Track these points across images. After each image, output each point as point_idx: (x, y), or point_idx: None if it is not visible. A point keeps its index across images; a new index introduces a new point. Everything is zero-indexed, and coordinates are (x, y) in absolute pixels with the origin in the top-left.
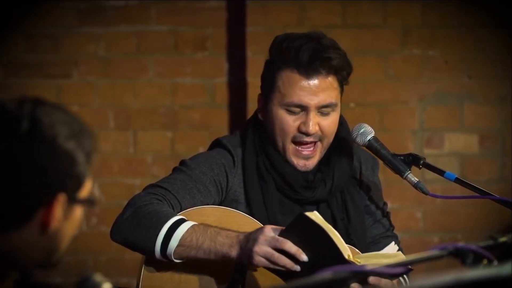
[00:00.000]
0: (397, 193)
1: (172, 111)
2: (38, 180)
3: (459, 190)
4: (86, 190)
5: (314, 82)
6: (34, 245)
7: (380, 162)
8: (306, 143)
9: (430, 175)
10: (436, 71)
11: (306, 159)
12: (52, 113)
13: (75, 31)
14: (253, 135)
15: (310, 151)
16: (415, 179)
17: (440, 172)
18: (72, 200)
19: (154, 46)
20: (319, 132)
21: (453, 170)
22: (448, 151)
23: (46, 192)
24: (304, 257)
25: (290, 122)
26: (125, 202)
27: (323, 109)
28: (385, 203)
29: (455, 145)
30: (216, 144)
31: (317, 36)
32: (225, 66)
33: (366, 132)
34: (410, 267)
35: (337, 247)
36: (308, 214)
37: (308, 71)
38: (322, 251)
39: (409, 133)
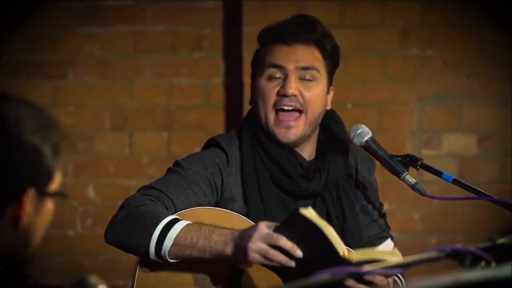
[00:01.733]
0: (394, 194)
1: (168, 112)
2: (6, 176)
3: (458, 191)
4: (55, 183)
5: (294, 46)
6: (6, 240)
7: (378, 163)
8: (287, 109)
9: (428, 176)
10: (435, 71)
11: (287, 128)
12: (17, 108)
13: (71, 32)
14: (249, 131)
15: (291, 119)
16: (412, 180)
17: (438, 173)
18: (42, 194)
19: (151, 46)
20: (300, 98)
21: (451, 171)
22: (447, 152)
23: (15, 188)
24: (299, 253)
25: (270, 88)
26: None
27: (303, 72)
28: (381, 204)
29: (454, 146)
30: (211, 143)
31: (301, 14)
32: (221, 66)
33: (363, 133)
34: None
35: (332, 244)
36: (302, 211)
37: (289, 37)
38: (317, 248)
39: (408, 133)
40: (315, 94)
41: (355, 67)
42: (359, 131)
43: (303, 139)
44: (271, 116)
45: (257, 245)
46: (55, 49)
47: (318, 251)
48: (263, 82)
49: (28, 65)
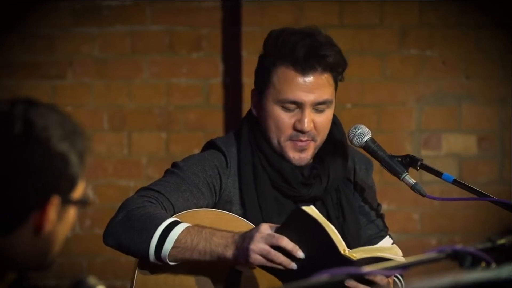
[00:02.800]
0: (394, 195)
1: (167, 112)
2: (31, 183)
3: (457, 192)
4: (79, 191)
5: (310, 79)
6: (28, 247)
7: (377, 163)
8: (301, 140)
9: (428, 176)
10: (434, 71)
11: (301, 151)
12: (45, 114)
13: (69, 31)
14: (248, 133)
15: (304, 144)
16: (412, 180)
17: (438, 174)
18: (66, 201)
19: (149, 46)
20: (314, 130)
21: (451, 171)
22: (446, 152)
23: (40, 195)
24: (300, 254)
25: (285, 119)
26: (120, 204)
27: (318, 106)
28: (379, 205)
29: (453, 146)
30: (209, 145)
31: (312, 32)
32: (220, 66)
33: (363, 133)
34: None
35: (333, 242)
36: (304, 208)
37: (304, 68)
38: (318, 247)
39: (407, 134)
40: (327, 120)
41: (353, 67)
42: (359, 131)
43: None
44: (286, 143)
45: (258, 246)
46: (53, 49)
47: (319, 250)
48: (276, 110)
49: (26, 65)
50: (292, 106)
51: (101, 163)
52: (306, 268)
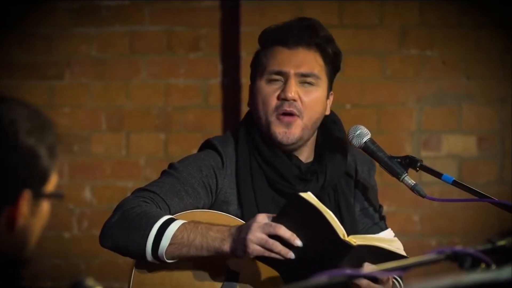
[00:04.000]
0: (394, 196)
1: (165, 113)
2: (1, 178)
3: (457, 193)
4: (52, 184)
5: (296, 51)
6: (3, 242)
7: (377, 164)
8: (286, 112)
9: (428, 177)
10: (434, 71)
11: (286, 126)
12: (13, 109)
13: (67, 32)
14: (245, 132)
15: (290, 118)
16: (412, 181)
17: (438, 175)
18: (38, 195)
19: (147, 46)
20: (299, 103)
21: (451, 172)
22: (446, 153)
23: (11, 190)
24: (298, 242)
25: (271, 92)
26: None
27: (304, 78)
28: (381, 206)
29: (453, 147)
30: (206, 145)
31: (304, 17)
32: (219, 67)
33: (362, 134)
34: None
35: (332, 227)
36: (302, 194)
37: (290, 41)
38: (317, 233)
39: (407, 134)
40: (314, 99)
41: (353, 68)
42: (358, 132)
43: (301, 142)
44: (272, 118)
45: (256, 235)
46: (51, 49)
47: (318, 237)
48: (263, 85)
49: (24, 65)
50: (277, 77)
51: (99, 164)
52: (304, 257)
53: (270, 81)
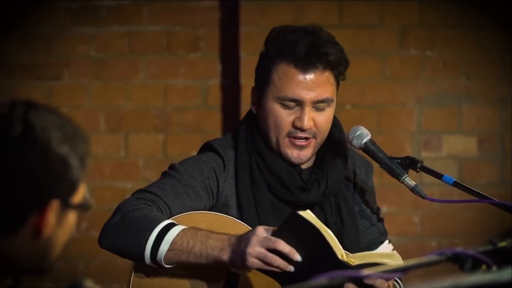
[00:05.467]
0: (394, 197)
1: (164, 113)
2: (31, 186)
3: (458, 193)
4: (79, 195)
5: (310, 76)
6: (27, 251)
7: (377, 165)
8: (300, 138)
9: (428, 178)
10: (434, 71)
11: (300, 149)
12: (45, 116)
13: (66, 32)
14: (246, 135)
15: (304, 142)
16: (412, 182)
17: (438, 176)
18: (66, 205)
19: (146, 46)
20: (314, 128)
21: (451, 173)
22: (447, 154)
23: (39, 198)
24: (297, 257)
25: (284, 117)
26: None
27: (318, 104)
28: (378, 208)
29: (454, 148)
30: (206, 147)
31: (314, 30)
32: (218, 67)
33: (362, 134)
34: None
35: (331, 247)
36: (301, 212)
37: (305, 66)
38: (316, 251)
39: (407, 135)
40: (328, 118)
41: (353, 68)
42: (358, 132)
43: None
44: (284, 140)
45: (255, 250)
46: (50, 50)
47: (317, 255)
48: (276, 107)
49: (22, 65)
50: (292, 104)
51: (98, 165)
52: (304, 271)
53: (285, 106)
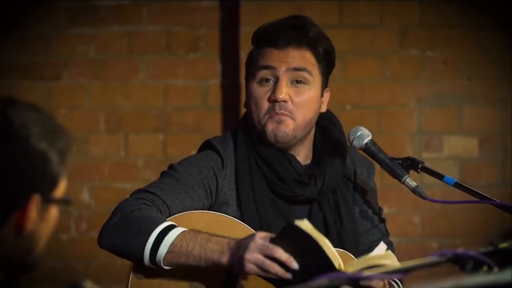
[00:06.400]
0: (395, 198)
1: (164, 114)
2: (11, 182)
3: (459, 194)
4: (61, 189)
5: (286, 50)
6: (10, 246)
7: (377, 166)
8: (277, 113)
9: (429, 179)
10: (435, 72)
11: (277, 123)
12: (24, 112)
13: (65, 32)
14: (244, 133)
15: (281, 117)
16: (413, 183)
17: (439, 176)
18: (47, 200)
19: (146, 47)
20: (290, 104)
21: (452, 174)
22: (447, 155)
23: (20, 194)
24: (295, 265)
25: (262, 94)
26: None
27: (294, 75)
28: (380, 209)
29: (455, 148)
30: (205, 145)
31: (295, 16)
32: (218, 67)
33: (363, 135)
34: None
35: (328, 257)
36: (297, 223)
37: (279, 42)
38: (313, 260)
39: (407, 136)
40: (307, 99)
41: (353, 68)
42: (359, 133)
43: (295, 140)
44: (264, 121)
45: (253, 256)
46: (49, 50)
47: (314, 263)
48: (255, 86)
49: (21, 65)
50: (267, 74)
51: (97, 165)
52: (301, 278)
53: (261, 81)
